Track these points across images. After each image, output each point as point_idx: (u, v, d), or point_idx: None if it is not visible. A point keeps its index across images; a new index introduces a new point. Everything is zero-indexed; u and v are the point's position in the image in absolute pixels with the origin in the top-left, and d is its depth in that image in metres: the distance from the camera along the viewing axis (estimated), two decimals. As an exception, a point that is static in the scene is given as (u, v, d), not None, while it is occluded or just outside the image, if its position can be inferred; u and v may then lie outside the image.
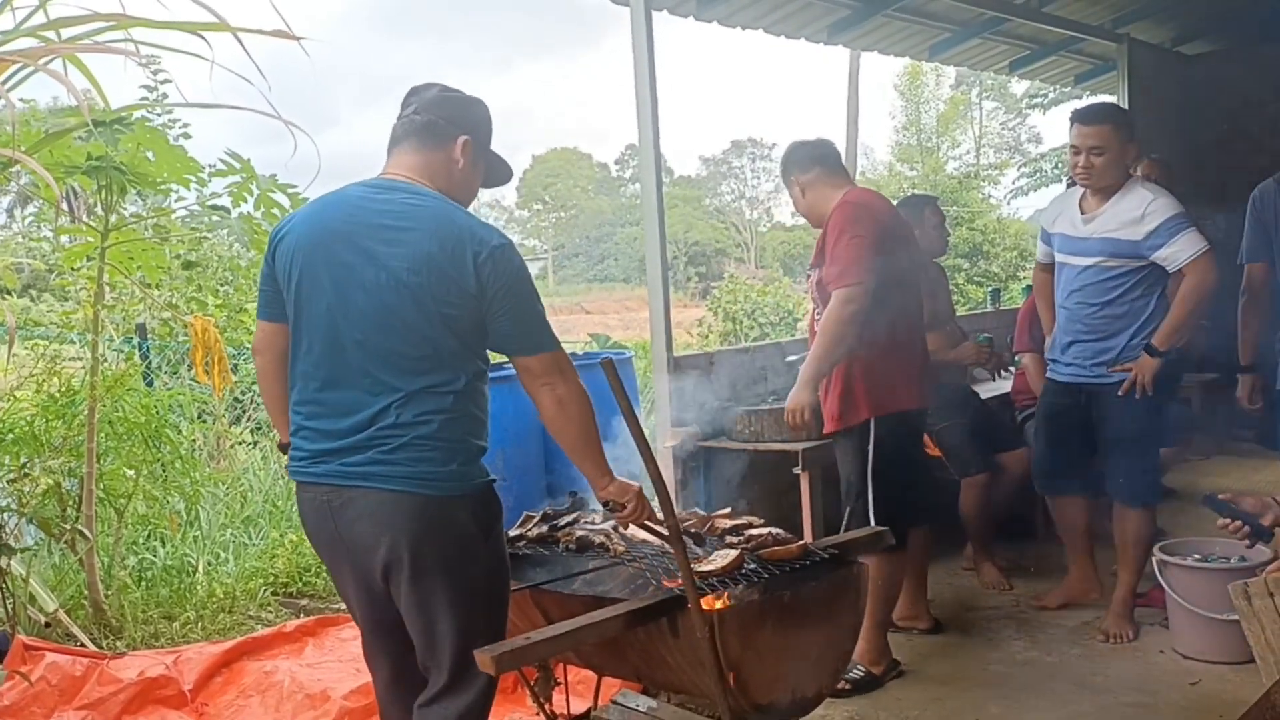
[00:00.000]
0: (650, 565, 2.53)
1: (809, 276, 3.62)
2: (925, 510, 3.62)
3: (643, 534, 2.64)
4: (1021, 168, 24.94)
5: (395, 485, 2.16)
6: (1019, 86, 28.22)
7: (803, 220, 3.77)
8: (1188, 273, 3.35)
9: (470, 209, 2.35)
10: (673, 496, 3.95)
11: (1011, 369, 4.75)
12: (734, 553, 2.41)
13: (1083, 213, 3.57)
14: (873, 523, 3.34)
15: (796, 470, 3.77)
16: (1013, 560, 4.42)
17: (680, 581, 2.30)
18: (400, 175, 2.30)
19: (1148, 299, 3.48)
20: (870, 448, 3.32)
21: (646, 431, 2.67)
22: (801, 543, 2.56)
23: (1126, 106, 7.43)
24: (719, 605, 2.35)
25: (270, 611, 4.61)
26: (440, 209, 2.22)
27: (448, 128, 2.32)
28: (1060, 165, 21.53)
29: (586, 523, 2.79)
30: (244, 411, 7.31)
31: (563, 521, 2.82)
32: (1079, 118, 3.53)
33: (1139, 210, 3.41)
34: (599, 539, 2.66)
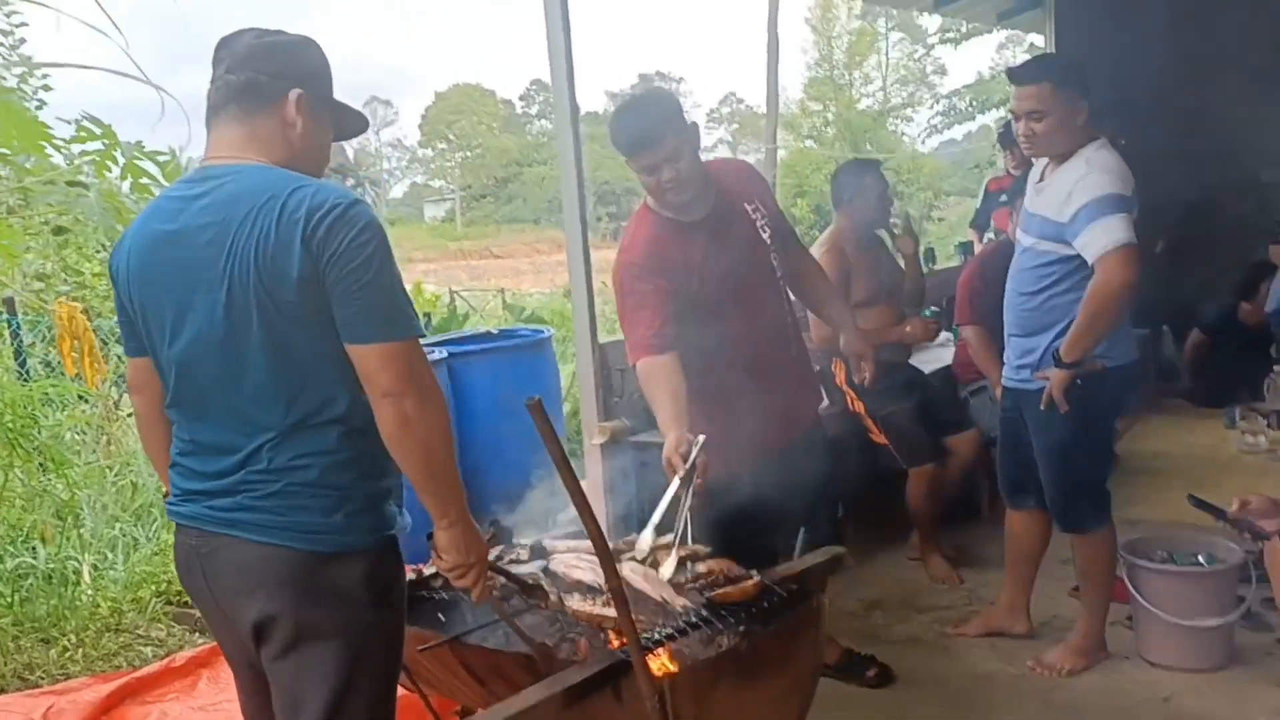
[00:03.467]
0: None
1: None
2: None
3: (576, 574, 2.33)
4: (935, 105, 24.83)
5: (266, 537, 1.80)
6: (930, 21, 28.06)
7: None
8: (1096, 269, 2.84)
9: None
10: (602, 502, 3.64)
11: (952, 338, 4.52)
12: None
13: (1039, 180, 3.14)
14: None
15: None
16: (960, 548, 4.21)
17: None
18: (221, 158, 1.86)
19: (1079, 295, 2.93)
20: None
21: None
22: (757, 580, 2.25)
23: (1053, 49, 7.21)
24: (668, 666, 2.06)
25: (161, 628, 4.18)
26: (255, 182, 1.79)
27: (273, 83, 1.86)
28: (975, 103, 21.33)
29: (512, 560, 2.44)
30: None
31: (500, 555, 2.45)
32: (1012, 77, 3.08)
33: (1070, 185, 2.91)
34: (528, 581, 2.31)
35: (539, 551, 2.47)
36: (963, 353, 4.48)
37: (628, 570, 2.31)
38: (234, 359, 1.78)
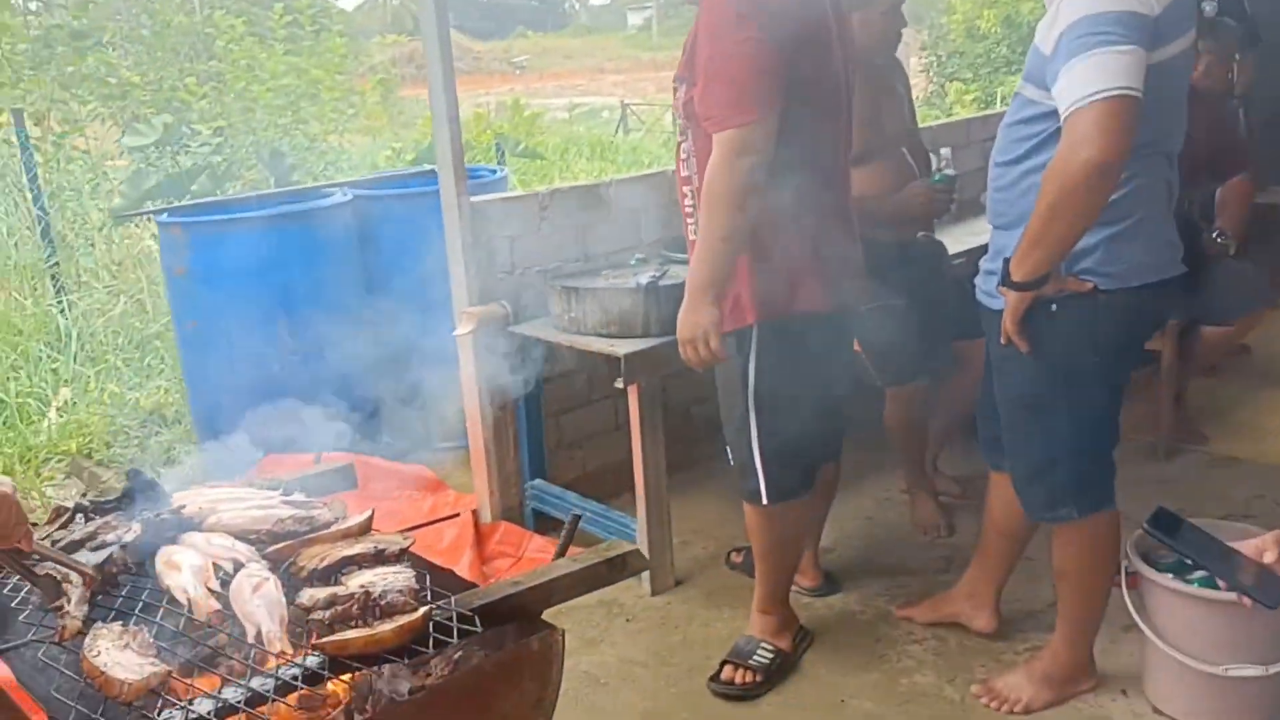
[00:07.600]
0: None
1: (675, 89, 2.35)
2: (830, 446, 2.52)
3: (173, 578, 1.59)
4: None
5: None
6: None
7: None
8: (1064, 132, 1.80)
9: None
10: (478, 414, 2.85)
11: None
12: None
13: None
14: (758, 464, 2.32)
15: (619, 384, 2.61)
16: (968, 482, 3.21)
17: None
18: None
19: None
20: (752, 362, 2.24)
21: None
22: (401, 625, 1.44)
23: None
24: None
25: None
26: None
27: None
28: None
29: (122, 534, 1.71)
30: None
31: (93, 533, 1.72)
32: None
33: (1056, 3, 1.87)
34: (54, 577, 1.55)
35: (163, 527, 1.71)
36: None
37: (241, 579, 1.56)
38: None
